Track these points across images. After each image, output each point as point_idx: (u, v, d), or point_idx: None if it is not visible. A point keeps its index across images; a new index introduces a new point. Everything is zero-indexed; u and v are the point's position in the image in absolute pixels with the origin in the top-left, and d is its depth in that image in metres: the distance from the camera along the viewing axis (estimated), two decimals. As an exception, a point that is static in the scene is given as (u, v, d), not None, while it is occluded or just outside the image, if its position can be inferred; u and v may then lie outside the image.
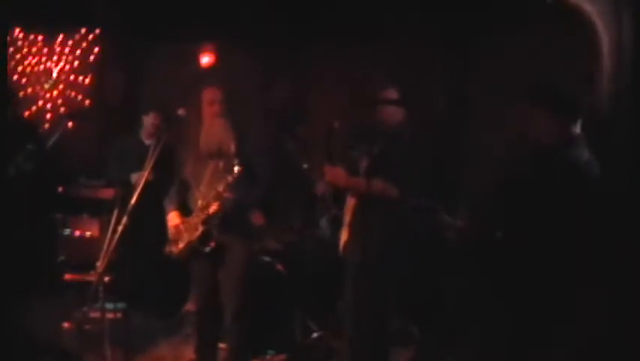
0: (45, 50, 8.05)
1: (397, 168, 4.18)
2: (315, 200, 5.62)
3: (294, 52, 7.58)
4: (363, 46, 6.92)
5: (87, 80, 8.07)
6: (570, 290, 3.70)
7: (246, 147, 4.43)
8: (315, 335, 5.40)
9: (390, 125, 4.36)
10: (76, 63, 8.07)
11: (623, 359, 3.81)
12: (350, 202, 4.45)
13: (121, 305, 5.46)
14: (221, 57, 7.53)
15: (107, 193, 6.25)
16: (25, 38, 7.93)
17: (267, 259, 5.48)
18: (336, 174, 4.36)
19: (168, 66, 7.59)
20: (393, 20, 6.71)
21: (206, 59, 7.51)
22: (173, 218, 4.49)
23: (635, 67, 4.52)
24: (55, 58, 8.07)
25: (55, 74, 8.06)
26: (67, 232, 5.80)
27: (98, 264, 4.15)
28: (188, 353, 5.03)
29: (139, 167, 5.42)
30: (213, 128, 4.43)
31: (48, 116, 7.92)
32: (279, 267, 5.44)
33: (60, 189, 6.54)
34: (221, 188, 4.25)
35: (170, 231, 4.46)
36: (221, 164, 4.35)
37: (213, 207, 4.29)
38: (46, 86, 7.97)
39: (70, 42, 8.05)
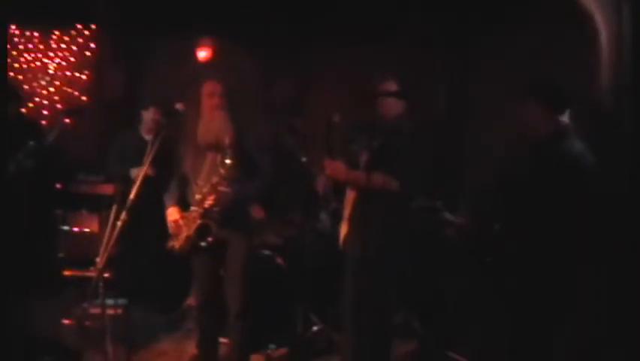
0: (41, 47, 8.03)
1: (397, 161, 4.17)
2: (315, 194, 5.62)
3: (294, 48, 7.57)
4: (363, 43, 6.92)
5: (84, 77, 8.06)
6: (569, 283, 3.71)
7: (246, 141, 4.42)
8: (315, 328, 5.40)
9: (390, 118, 4.35)
10: (72, 60, 8.06)
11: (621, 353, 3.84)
12: (350, 196, 4.44)
13: (121, 301, 5.45)
14: (220, 53, 7.52)
15: (107, 189, 6.26)
16: (21, 35, 7.92)
17: (267, 253, 5.48)
18: (335, 167, 4.35)
19: (167, 62, 7.57)
20: (393, 18, 6.70)
21: (204, 54, 7.51)
22: (172, 213, 4.48)
23: (635, 60, 4.53)
24: (51, 54, 8.05)
25: (51, 71, 8.05)
26: (66, 228, 5.79)
27: (98, 260, 4.14)
28: (190, 347, 5.03)
29: (139, 162, 5.37)
30: (212, 121, 4.42)
31: (45, 112, 7.91)
32: (280, 261, 5.44)
33: (59, 185, 6.53)
34: (215, 181, 4.24)
35: (170, 226, 4.45)
36: (219, 157, 4.33)
37: (209, 201, 4.28)
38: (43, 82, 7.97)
39: (66, 38, 8.04)
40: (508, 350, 3.91)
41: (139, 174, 4.18)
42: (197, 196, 4.34)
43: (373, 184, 4.18)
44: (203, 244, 4.31)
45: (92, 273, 4.97)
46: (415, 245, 4.46)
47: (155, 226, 4.77)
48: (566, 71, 5.30)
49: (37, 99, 7.94)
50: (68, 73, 8.05)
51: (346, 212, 4.45)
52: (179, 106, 4.35)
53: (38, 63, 8.04)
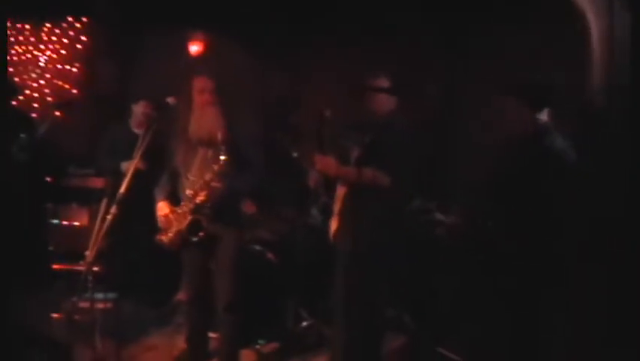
0: (32, 39, 8.00)
1: (388, 157, 4.17)
2: (307, 189, 5.62)
3: (288, 44, 7.55)
4: (358, 39, 6.90)
5: (75, 70, 8.04)
6: (560, 280, 3.73)
7: (238, 136, 4.40)
8: (306, 323, 5.40)
9: (382, 114, 4.35)
10: (63, 52, 8.03)
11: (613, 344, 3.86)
12: (340, 191, 4.44)
13: (111, 295, 5.44)
14: (212, 48, 7.50)
15: (97, 182, 6.24)
16: (12, 27, 7.88)
17: (258, 248, 5.48)
18: (326, 162, 4.35)
19: (159, 56, 7.55)
20: (388, 16, 6.69)
21: (196, 48, 7.49)
22: (162, 207, 4.46)
23: (628, 58, 4.53)
24: (42, 47, 8.02)
25: (42, 63, 8.02)
26: (56, 221, 5.77)
27: (88, 253, 4.13)
28: (180, 342, 5.02)
29: (129, 156, 5.37)
30: (203, 116, 4.40)
31: (36, 105, 7.89)
32: (271, 256, 5.44)
33: (49, 178, 6.51)
34: (208, 177, 4.24)
35: (160, 220, 4.43)
36: (210, 153, 4.33)
37: (201, 197, 4.27)
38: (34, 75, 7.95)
39: (57, 31, 8.02)
40: (499, 346, 3.93)
41: (129, 167, 4.17)
42: (189, 191, 4.32)
43: (364, 179, 4.18)
44: (194, 239, 4.31)
45: (81, 267, 4.99)
46: (407, 242, 4.47)
47: (146, 220, 4.76)
48: (558, 69, 5.32)
49: (27, 92, 7.91)
50: (59, 66, 8.03)
51: (337, 207, 4.45)
52: (170, 100, 4.34)
53: (29, 56, 8.01)
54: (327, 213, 4.93)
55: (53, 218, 5.78)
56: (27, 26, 7.95)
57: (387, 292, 4.57)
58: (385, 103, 4.34)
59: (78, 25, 8.01)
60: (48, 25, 8.00)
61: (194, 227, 4.29)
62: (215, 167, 4.21)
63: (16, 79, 7.81)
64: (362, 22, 6.82)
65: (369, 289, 4.29)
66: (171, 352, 5.04)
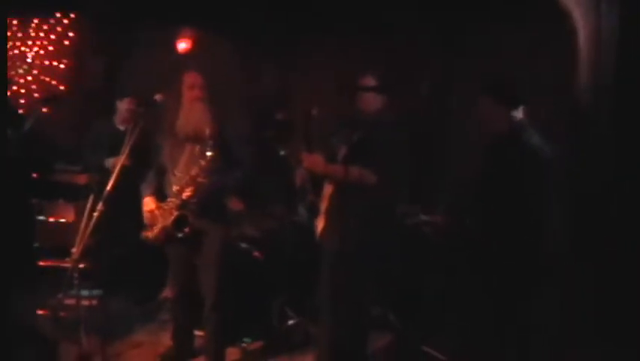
0: (20, 35, 7.96)
1: (375, 155, 4.18)
2: (293, 187, 5.61)
3: (277, 41, 7.54)
4: (347, 37, 6.91)
5: (62, 66, 8.00)
6: (543, 275, 3.77)
7: (225, 132, 4.40)
8: (292, 321, 5.40)
9: (370, 112, 4.36)
10: (51, 48, 8.00)
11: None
12: (328, 190, 4.45)
13: (96, 292, 5.42)
14: (201, 44, 7.49)
15: (84, 179, 6.22)
16: (-1, 22, 7.83)
17: (244, 245, 5.47)
18: (313, 160, 4.36)
19: (147, 52, 7.53)
20: (379, 13, 6.69)
21: (185, 44, 7.47)
22: (148, 203, 4.46)
23: (614, 58, 4.56)
24: (30, 42, 7.99)
25: (29, 59, 7.98)
26: (42, 218, 5.74)
27: (74, 250, 4.12)
28: (165, 339, 5.02)
29: (113, 152, 5.38)
30: (192, 112, 4.40)
31: (22, 101, 7.85)
32: (257, 253, 5.44)
33: (35, 174, 6.48)
34: (194, 172, 4.24)
35: (146, 216, 4.43)
36: (197, 148, 4.33)
37: (187, 193, 4.27)
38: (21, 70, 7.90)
39: (45, 27, 7.98)
40: (485, 344, 3.95)
41: (115, 164, 4.16)
42: (175, 187, 4.32)
43: (350, 178, 4.18)
44: (180, 235, 4.30)
45: (67, 263, 4.96)
46: (393, 241, 4.49)
47: (132, 217, 4.75)
48: (546, 68, 5.35)
49: (14, 87, 7.87)
50: (47, 62, 7.99)
51: (324, 206, 4.46)
52: (158, 97, 4.34)
53: (17, 51, 7.97)
54: (313, 212, 4.93)
55: (39, 214, 5.75)
56: (14, 22, 7.90)
57: (373, 291, 4.58)
58: (373, 102, 4.35)
59: (66, 20, 7.98)
60: (36, 20, 7.96)
61: (179, 223, 4.29)
62: (202, 162, 4.21)
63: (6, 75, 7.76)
64: (356, 20, 6.82)
65: (355, 287, 4.30)
66: (157, 349, 5.03)
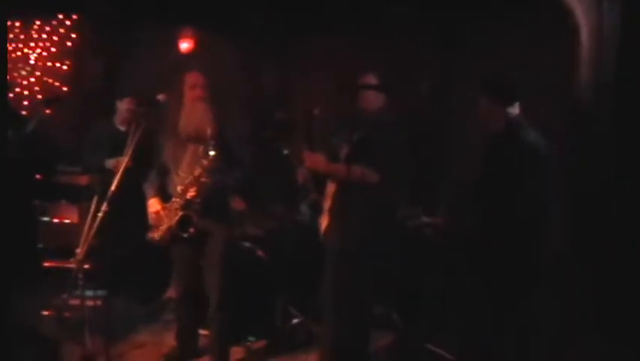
0: (22, 37, 7.98)
1: (377, 154, 4.19)
2: (296, 186, 5.62)
3: (278, 40, 7.55)
4: (348, 36, 6.91)
5: (65, 67, 8.02)
6: (543, 274, 3.78)
7: (227, 132, 4.41)
8: (295, 320, 5.41)
9: (371, 111, 4.37)
10: (53, 50, 8.01)
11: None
12: (331, 189, 4.46)
13: (101, 292, 5.43)
14: (202, 44, 7.51)
15: (84, 180, 6.24)
16: (2, 24, 7.85)
17: (247, 244, 5.48)
18: (315, 160, 4.37)
19: (149, 52, 7.55)
20: (379, 12, 6.70)
21: (186, 45, 7.49)
22: (153, 204, 4.47)
23: (615, 56, 4.57)
24: (32, 44, 8.00)
25: (32, 61, 8.00)
26: (46, 218, 5.76)
27: (78, 251, 4.13)
28: (169, 339, 5.03)
29: (113, 153, 5.40)
30: (194, 112, 4.41)
31: (26, 103, 7.87)
32: (260, 253, 5.45)
33: (38, 176, 6.50)
34: (197, 172, 4.25)
35: (151, 217, 4.44)
36: (200, 148, 4.33)
37: (191, 193, 4.28)
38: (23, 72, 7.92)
39: (47, 28, 8.00)
40: (485, 343, 3.96)
41: (118, 164, 4.17)
42: (179, 187, 4.33)
43: (352, 177, 4.19)
44: (184, 235, 4.31)
45: (71, 264, 4.98)
46: (395, 240, 4.50)
47: (135, 217, 4.77)
48: (548, 66, 5.35)
49: (17, 89, 7.89)
50: (49, 63, 8.01)
51: (327, 205, 4.47)
52: (160, 97, 4.35)
53: (19, 53, 7.99)
54: (316, 210, 4.95)
55: (43, 215, 5.76)
56: (17, 24, 7.92)
57: (376, 290, 4.59)
58: (374, 100, 4.36)
59: (68, 22, 8.00)
60: (38, 22, 7.98)
61: (184, 223, 4.30)
62: (205, 162, 4.22)
63: (7, 76, 7.77)
64: (356, 20, 6.83)
65: (357, 286, 4.31)
66: (160, 349, 5.04)
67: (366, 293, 4.43)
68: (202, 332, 4.75)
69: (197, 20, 7.46)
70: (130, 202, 4.58)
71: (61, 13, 7.94)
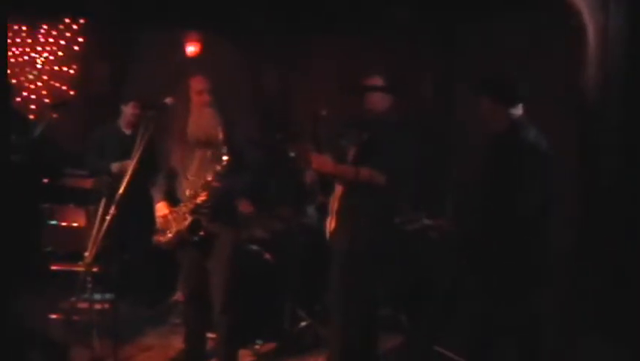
0: (29, 41, 8.00)
1: (384, 155, 4.19)
2: (303, 188, 5.63)
3: (284, 43, 7.56)
4: (353, 37, 6.92)
5: (72, 71, 8.05)
6: (545, 275, 3.77)
7: (234, 136, 4.41)
8: (303, 323, 5.42)
9: (377, 112, 4.37)
10: (60, 54, 8.03)
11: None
12: (337, 190, 4.46)
13: (109, 296, 5.44)
14: (207, 47, 7.52)
15: (89, 183, 6.26)
16: (9, 28, 7.86)
17: (254, 247, 5.49)
18: (322, 161, 4.37)
19: (155, 56, 7.56)
20: (383, 13, 6.70)
21: (192, 48, 7.51)
22: (161, 208, 4.46)
23: (621, 56, 4.57)
24: (39, 48, 8.03)
25: (39, 65, 8.02)
26: (53, 222, 5.77)
27: (87, 254, 4.14)
28: (177, 342, 5.03)
29: (118, 156, 5.41)
30: (201, 117, 4.40)
31: (33, 107, 7.89)
32: (267, 256, 5.45)
33: (46, 179, 6.52)
34: (210, 177, 4.24)
35: (159, 221, 4.43)
36: (209, 153, 4.33)
37: (202, 197, 4.27)
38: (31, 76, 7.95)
39: (54, 32, 8.02)
40: (487, 341, 3.95)
41: (125, 168, 4.17)
42: (188, 191, 4.33)
43: (360, 178, 4.19)
44: (195, 239, 4.31)
45: (79, 267, 5.00)
46: (401, 242, 4.50)
47: (143, 221, 4.77)
48: (555, 66, 5.35)
49: (24, 93, 7.91)
50: (56, 67, 8.03)
51: (334, 206, 4.47)
52: (168, 100, 4.35)
53: (26, 57, 8.01)
54: (323, 212, 4.94)
55: (51, 219, 5.77)
56: (24, 28, 7.94)
57: (383, 291, 4.58)
58: (380, 102, 4.36)
59: (75, 26, 8.02)
60: (45, 26, 8.01)
61: (194, 227, 4.30)
62: (218, 167, 4.21)
63: (14, 80, 7.79)
64: (356, 20, 6.83)
65: (364, 288, 4.31)
66: (167, 352, 5.05)
67: (374, 295, 4.43)
68: (210, 335, 4.75)
69: (198, 22, 7.48)
70: (137, 206, 4.58)
71: (67, 17, 7.95)
